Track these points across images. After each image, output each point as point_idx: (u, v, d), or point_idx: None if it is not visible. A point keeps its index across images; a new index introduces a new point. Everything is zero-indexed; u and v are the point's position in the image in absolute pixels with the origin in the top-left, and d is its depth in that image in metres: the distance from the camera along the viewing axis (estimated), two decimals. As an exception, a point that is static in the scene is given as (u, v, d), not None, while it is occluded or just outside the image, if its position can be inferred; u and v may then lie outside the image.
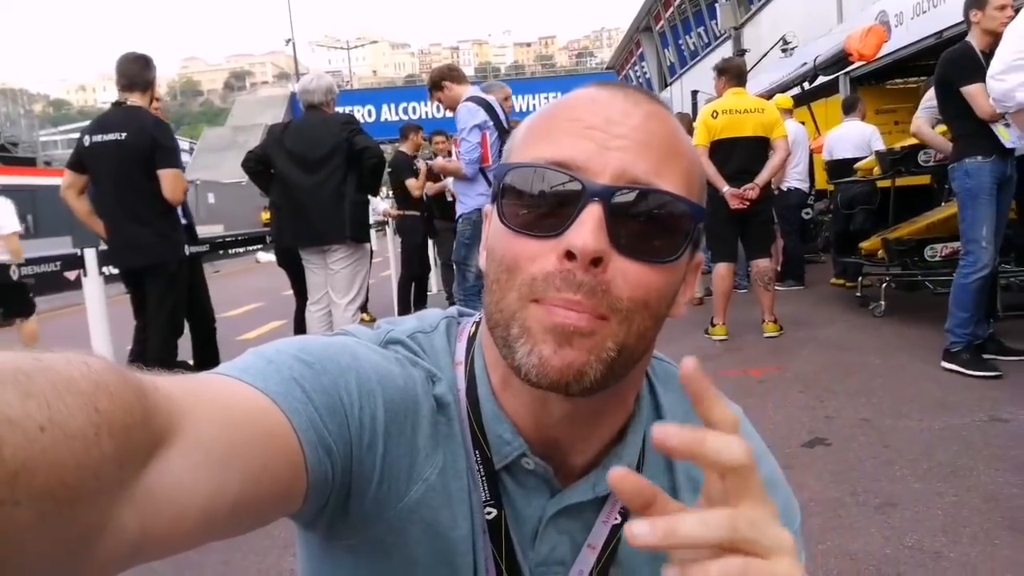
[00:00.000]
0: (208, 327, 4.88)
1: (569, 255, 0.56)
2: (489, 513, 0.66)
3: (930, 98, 4.64)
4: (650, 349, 0.65)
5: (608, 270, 0.57)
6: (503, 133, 4.44)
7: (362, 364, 0.62)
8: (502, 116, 4.55)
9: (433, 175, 6.89)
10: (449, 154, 7.54)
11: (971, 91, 3.83)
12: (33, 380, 0.35)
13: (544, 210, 0.59)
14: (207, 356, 4.72)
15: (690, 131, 7.65)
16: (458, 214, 4.76)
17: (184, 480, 0.44)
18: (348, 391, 0.59)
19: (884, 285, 5.89)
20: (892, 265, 5.78)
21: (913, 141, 5.83)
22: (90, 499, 0.37)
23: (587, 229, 0.56)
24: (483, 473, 0.66)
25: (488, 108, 4.51)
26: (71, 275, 4.08)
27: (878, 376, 4.20)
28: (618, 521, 0.69)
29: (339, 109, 4.71)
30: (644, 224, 0.58)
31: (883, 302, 5.77)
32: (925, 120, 4.87)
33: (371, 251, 4.92)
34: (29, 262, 4.38)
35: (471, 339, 0.72)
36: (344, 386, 0.59)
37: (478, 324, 0.73)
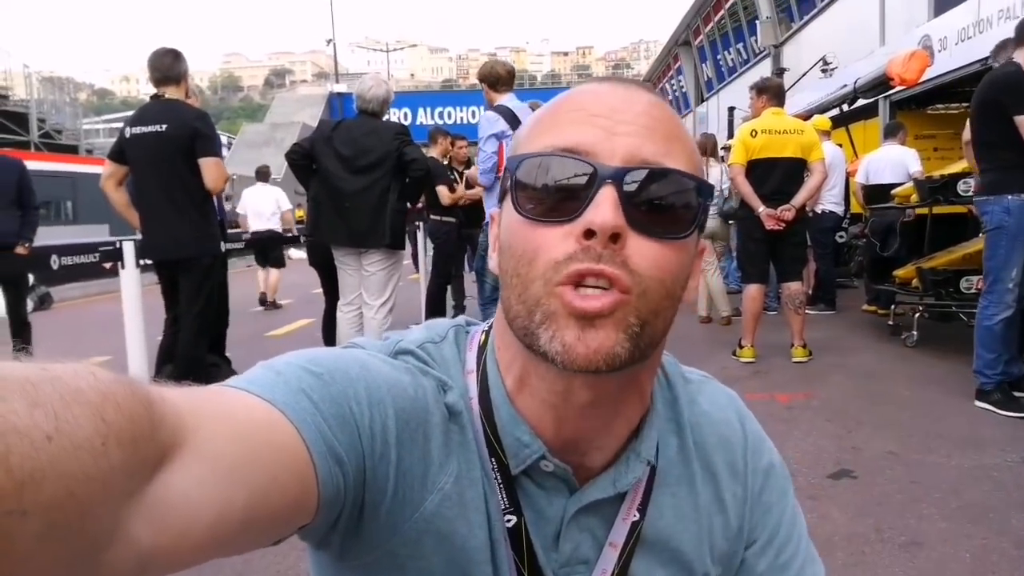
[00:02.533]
0: (220, 322, 5.00)
1: (588, 234, 0.58)
2: (509, 520, 0.66)
3: None
4: (667, 331, 0.65)
5: (626, 247, 0.58)
6: None
7: (372, 374, 0.62)
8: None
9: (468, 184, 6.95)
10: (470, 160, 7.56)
11: None
12: (40, 390, 0.35)
13: (559, 196, 0.60)
14: (214, 345, 4.88)
15: (713, 152, 7.59)
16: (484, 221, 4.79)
17: (192, 492, 0.44)
18: (358, 401, 0.59)
19: (917, 315, 5.79)
20: (926, 295, 5.69)
21: (953, 169, 5.73)
22: (97, 510, 0.37)
23: (605, 207, 0.57)
24: (500, 480, 0.66)
25: (511, 117, 4.50)
26: (108, 264, 4.16)
27: (907, 408, 4.13)
28: (636, 518, 0.70)
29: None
30: (656, 202, 0.60)
31: (915, 332, 5.67)
32: None
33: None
34: (68, 251, 4.48)
35: (481, 347, 0.72)
36: (354, 396, 0.59)
37: (487, 332, 0.73)
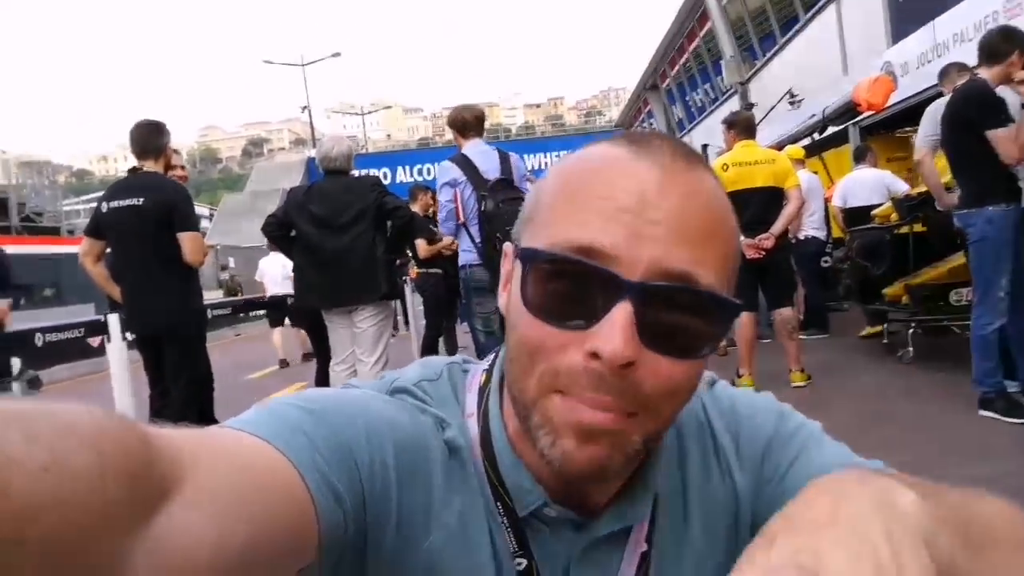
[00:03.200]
0: (207, 389, 4.95)
1: (596, 355, 0.54)
2: (519, 564, 0.65)
3: (931, 123, 4.38)
4: (673, 421, 0.63)
5: (638, 369, 0.55)
6: (480, 186, 4.35)
7: (370, 412, 0.61)
8: (485, 169, 4.43)
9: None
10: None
11: (998, 135, 3.70)
12: (36, 423, 0.35)
13: (570, 299, 0.56)
14: (203, 412, 4.80)
15: None
16: None
17: (192, 527, 0.43)
18: (356, 439, 0.58)
19: (911, 331, 5.82)
20: (917, 311, 5.73)
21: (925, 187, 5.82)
22: (96, 543, 0.36)
23: (617, 333, 0.53)
24: (508, 524, 0.65)
25: (466, 166, 4.47)
26: (94, 341, 4.11)
27: (912, 424, 4.12)
28: (645, 549, 0.68)
29: (355, 172, 4.78)
30: (676, 320, 0.56)
31: (911, 348, 5.70)
32: (930, 152, 4.51)
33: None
34: (53, 330, 4.43)
35: (482, 388, 0.70)
36: (352, 435, 0.58)
37: (488, 372, 0.72)
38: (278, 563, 0.51)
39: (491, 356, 0.74)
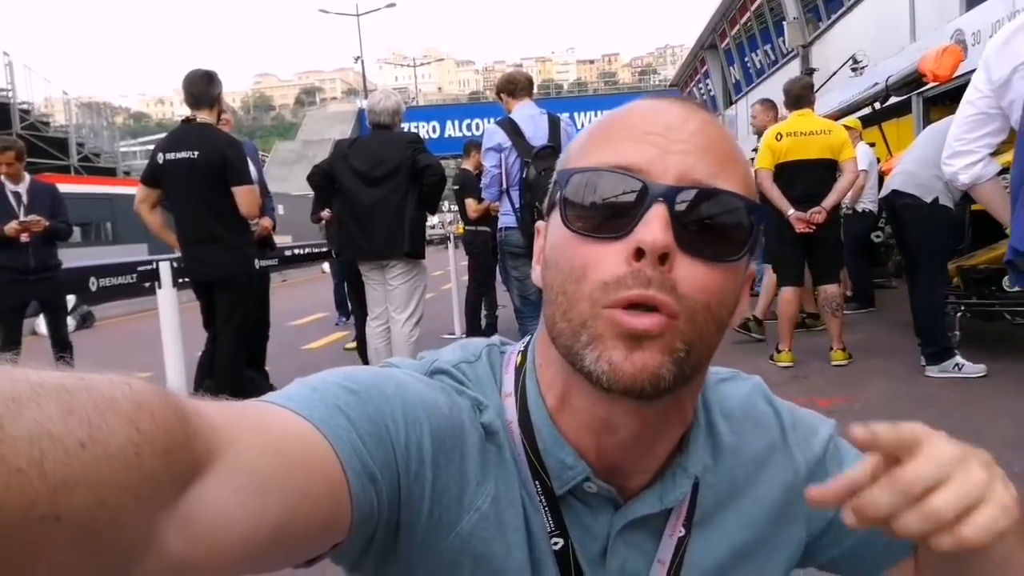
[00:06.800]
0: (260, 336, 5.10)
1: (637, 253, 0.57)
2: (556, 543, 0.66)
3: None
4: (711, 356, 0.64)
5: (674, 269, 0.57)
6: (524, 153, 4.38)
7: (408, 393, 0.62)
8: (531, 135, 4.43)
9: None
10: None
11: None
12: (75, 397, 0.35)
13: (608, 213, 0.59)
14: (253, 360, 4.96)
15: None
16: None
17: (225, 504, 0.44)
18: (394, 420, 0.59)
19: (959, 314, 5.66)
20: (967, 294, 5.56)
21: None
22: (130, 519, 0.37)
23: (655, 226, 0.56)
24: (545, 503, 0.66)
25: (512, 129, 4.46)
26: (146, 284, 4.25)
27: (953, 410, 4.03)
28: (683, 534, 0.69)
29: (404, 125, 4.78)
30: (707, 224, 0.59)
31: (958, 332, 5.54)
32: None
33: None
34: (107, 271, 4.59)
35: (518, 368, 0.71)
36: (389, 414, 0.59)
37: (523, 352, 0.72)
38: (310, 541, 0.52)
39: (526, 337, 0.75)
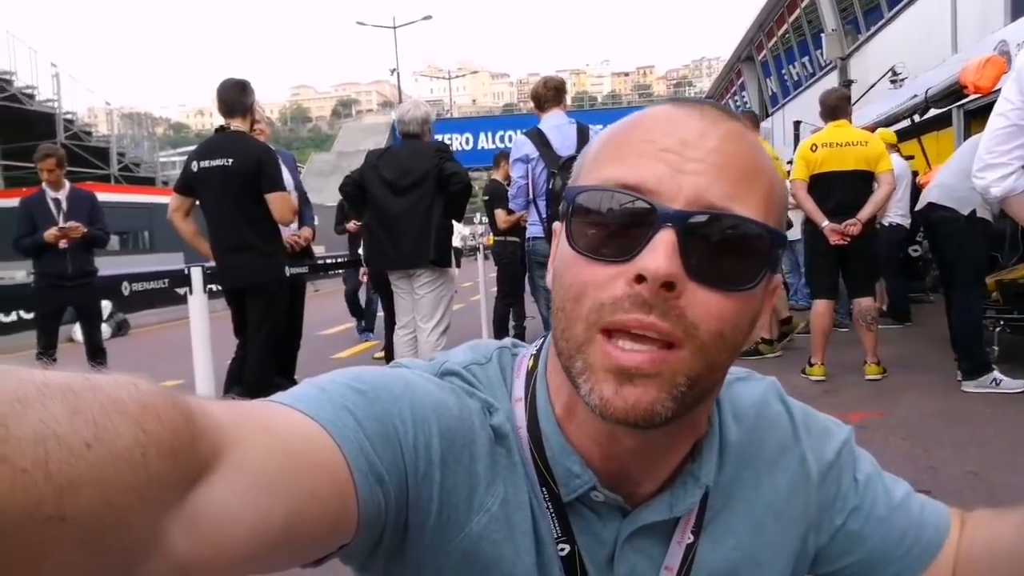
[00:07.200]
0: (292, 344, 5.15)
1: (639, 279, 0.54)
2: (563, 549, 0.65)
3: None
4: (723, 379, 0.63)
5: (682, 297, 0.55)
6: (552, 163, 4.42)
7: (417, 393, 0.61)
8: (558, 146, 4.48)
9: None
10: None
11: None
12: (81, 398, 0.35)
13: (614, 234, 0.57)
14: (284, 368, 5.00)
15: None
16: None
17: (231, 505, 0.43)
18: (402, 420, 0.58)
19: (998, 329, 5.51)
20: (1006, 308, 5.41)
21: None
22: (135, 519, 0.37)
23: (659, 253, 0.54)
24: (552, 509, 0.65)
25: (540, 140, 4.50)
26: (179, 290, 4.33)
27: (989, 426, 3.91)
28: (691, 540, 0.67)
29: (438, 137, 4.82)
30: (719, 250, 0.56)
31: (996, 347, 5.39)
32: None
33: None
34: (140, 278, 4.68)
35: (530, 372, 0.70)
36: (398, 415, 0.58)
37: (536, 356, 0.71)
38: (316, 542, 0.52)
39: (539, 340, 0.74)
